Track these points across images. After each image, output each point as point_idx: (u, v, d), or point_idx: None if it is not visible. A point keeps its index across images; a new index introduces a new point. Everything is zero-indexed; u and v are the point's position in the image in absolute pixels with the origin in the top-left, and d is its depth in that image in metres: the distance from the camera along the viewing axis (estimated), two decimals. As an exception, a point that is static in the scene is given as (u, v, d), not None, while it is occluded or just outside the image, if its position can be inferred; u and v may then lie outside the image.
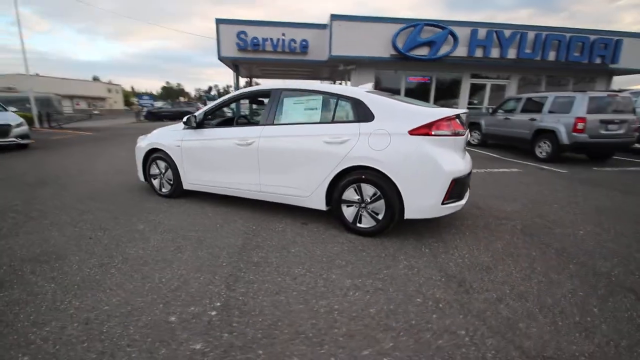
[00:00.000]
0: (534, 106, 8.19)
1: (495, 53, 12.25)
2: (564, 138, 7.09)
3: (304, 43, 12.40)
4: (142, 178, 4.44)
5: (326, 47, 12.01)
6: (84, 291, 2.13)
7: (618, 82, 15.23)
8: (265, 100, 3.79)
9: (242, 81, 15.44)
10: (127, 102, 65.31)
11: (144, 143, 4.31)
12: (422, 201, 2.81)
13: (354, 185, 3.01)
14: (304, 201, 3.32)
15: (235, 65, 13.48)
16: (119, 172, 5.89)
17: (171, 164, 4.05)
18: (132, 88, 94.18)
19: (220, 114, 5.45)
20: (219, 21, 12.12)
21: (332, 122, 3.15)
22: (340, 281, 2.29)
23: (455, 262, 2.59)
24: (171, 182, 4.15)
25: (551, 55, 12.52)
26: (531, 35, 12.24)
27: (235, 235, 3.08)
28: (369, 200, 2.98)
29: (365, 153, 2.90)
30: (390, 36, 11.75)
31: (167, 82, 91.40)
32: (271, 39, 12.27)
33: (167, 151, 4.04)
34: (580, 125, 6.91)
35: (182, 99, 56.84)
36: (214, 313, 1.91)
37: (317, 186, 3.18)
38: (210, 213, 3.70)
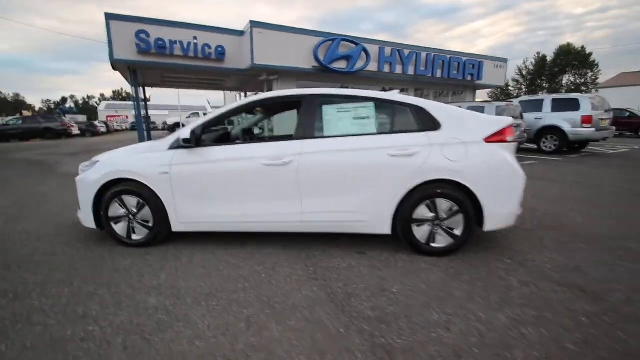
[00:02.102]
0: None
1: (399, 69, 13.74)
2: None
3: (220, 49, 11.26)
4: (90, 223, 3.02)
5: (247, 55, 11.21)
6: None
7: (480, 94, 19.23)
8: (261, 111, 3.11)
9: (130, 89, 12.79)
10: None
11: (96, 173, 2.95)
12: (502, 210, 2.69)
13: (427, 201, 2.68)
14: (363, 227, 2.79)
15: (132, 70, 11.21)
16: (14, 219, 3.96)
17: (150, 200, 2.87)
18: None
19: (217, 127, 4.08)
20: (109, 17, 9.87)
21: (392, 132, 2.76)
22: (496, 319, 1.92)
23: (552, 268, 2.55)
24: (149, 225, 2.94)
25: (438, 73, 14.85)
26: (424, 55, 14.23)
27: (303, 285, 2.33)
28: (445, 216, 2.70)
29: (442, 165, 2.61)
30: (312, 48, 11.82)
31: (-1, 92, 70.07)
32: (181, 42, 10.69)
33: (144, 182, 2.84)
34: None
35: (25, 112, 44.47)
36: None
37: (383, 207, 2.71)
38: (231, 259, 2.75)
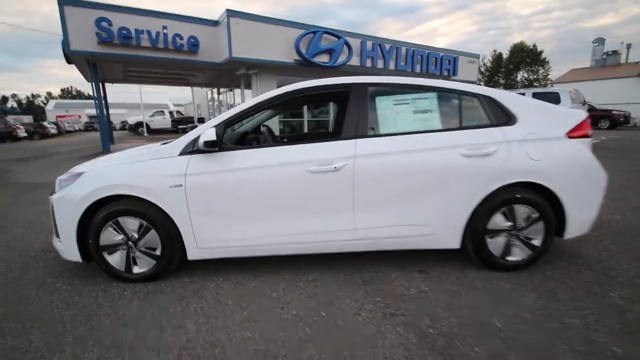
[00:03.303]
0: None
1: (380, 64, 13.49)
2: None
3: (192, 40, 10.30)
4: (73, 255, 2.29)
5: (223, 47, 10.35)
6: None
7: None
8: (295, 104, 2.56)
9: (91, 86, 11.31)
10: None
11: (81, 189, 2.22)
12: (584, 215, 2.35)
13: (504, 208, 2.28)
14: (428, 242, 2.33)
15: (92, 64, 9.92)
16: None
17: (157, 221, 2.20)
18: None
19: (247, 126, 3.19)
20: (63, 1, 8.59)
21: (461, 128, 2.31)
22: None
23: None
24: (156, 254, 2.28)
25: (417, 68, 14.82)
26: (403, 49, 14.09)
27: (381, 324, 1.81)
28: (523, 225, 2.31)
29: (524, 165, 2.21)
30: (293, 40, 11.20)
31: None
32: (149, 32, 9.62)
33: (149, 198, 2.17)
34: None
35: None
36: None
37: (454, 218, 2.27)
38: (270, 291, 2.17)
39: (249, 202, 2.21)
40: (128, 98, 37.61)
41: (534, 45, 41.11)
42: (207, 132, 2.09)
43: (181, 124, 22.88)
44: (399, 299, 2.06)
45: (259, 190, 2.20)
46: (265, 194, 2.20)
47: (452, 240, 2.33)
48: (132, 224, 2.23)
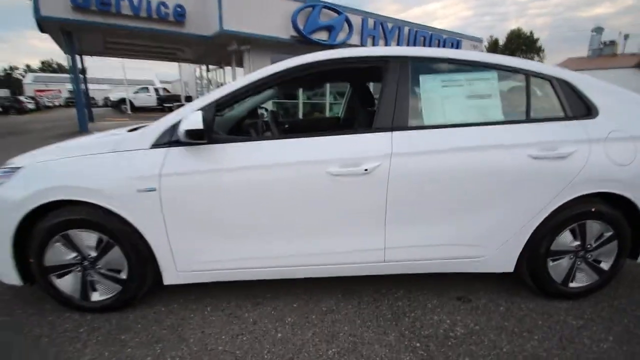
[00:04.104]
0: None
1: (381, 44, 12.72)
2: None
3: (179, 10, 9.36)
4: (9, 277, 1.70)
5: (213, 19, 9.44)
6: None
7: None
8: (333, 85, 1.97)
9: (66, 58, 10.22)
10: None
11: (17, 190, 1.61)
12: None
13: (574, 224, 1.79)
14: (477, 265, 1.83)
15: (66, 32, 8.91)
16: None
17: (122, 236, 1.63)
18: None
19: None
20: (28, -43, 7.53)
21: (529, 120, 1.77)
22: None
23: None
24: (121, 277, 1.72)
25: (419, 50, 14.10)
26: (406, 30, 13.32)
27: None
28: (594, 245, 1.83)
29: (605, 172, 1.70)
30: (290, 14, 10.32)
31: None
32: (129, -1, 8.64)
33: (109, 206, 1.58)
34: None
35: None
36: None
37: (512, 235, 1.76)
38: (272, 326, 1.65)
39: (247, 212, 1.66)
40: (111, 73, 35.65)
41: (531, 32, 40.60)
42: (190, 117, 1.50)
43: (168, 102, 21.74)
44: (444, 344, 1.57)
45: (261, 197, 1.64)
46: (269, 203, 1.65)
47: (505, 263, 1.84)
48: (88, 238, 1.66)
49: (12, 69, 75.23)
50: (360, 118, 2.68)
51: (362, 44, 12.13)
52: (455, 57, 1.78)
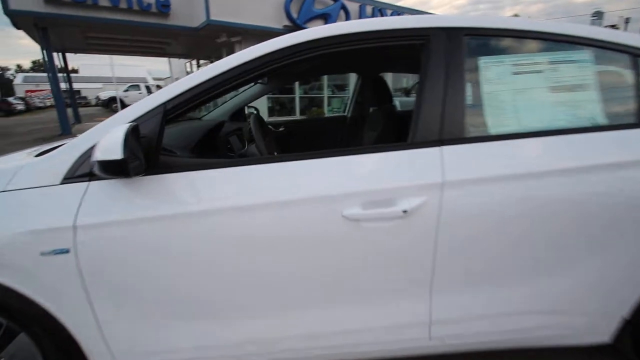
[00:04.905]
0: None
1: (380, 32, 12.03)
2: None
3: (162, 0, 8.64)
4: None
5: (200, 9, 8.74)
6: None
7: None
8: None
9: (42, 54, 9.33)
10: None
11: None
12: None
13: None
14: (564, 336, 1.25)
15: (41, 28, 8.20)
16: None
17: (29, 320, 1.06)
18: None
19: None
20: (-10, -57, 6.80)
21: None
22: None
23: None
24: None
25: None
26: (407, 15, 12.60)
27: None
28: None
29: None
30: (282, 3, 9.63)
31: None
32: (107, -12, 7.92)
33: (1, 279, 1.00)
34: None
35: None
36: None
37: (616, 296, 1.18)
38: None
39: (216, 280, 1.07)
40: (104, 71, 34.70)
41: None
42: (105, 141, 0.89)
43: (160, 100, 20.98)
44: None
45: (236, 257, 1.05)
46: (250, 265, 1.06)
47: (600, 332, 1.26)
48: (-29, 324, 1.07)
49: (3, 69, 73.87)
50: (375, 121, 2.07)
51: (361, 32, 11.43)
52: (531, 28, 1.17)
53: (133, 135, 0.93)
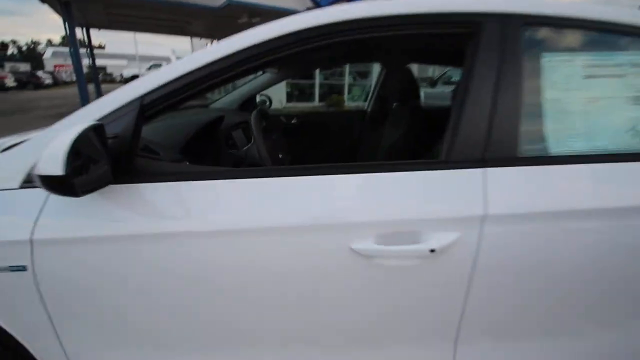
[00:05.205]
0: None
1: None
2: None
3: (184, -23, 8.40)
4: None
5: (222, -13, 8.46)
6: None
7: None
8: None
9: (64, 28, 9.38)
10: None
11: None
12: None
13: None
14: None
15: (64, 2, 8.17)
16: None
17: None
18: None
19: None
20: None
21: None
22: None
23: None
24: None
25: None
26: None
27: None
28: None
29: None
30: (306, -17, 9.18)
31: None
32: (129, -37, 7.74)
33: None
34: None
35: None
36: None
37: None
38: None
39: (194, 314, 0.90)
40: (129, 49, 35.08)
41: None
42: (51, 148, 0.69)
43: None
44: None
45: (222, 289, 0.87)
46: (235, 301, 0.87)
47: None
48: None
49: (35, 43, 76.09)
50: (398, 118, 1.81)
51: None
52: (618, 20, 0.88)
53: (96, 137, 0.75)
